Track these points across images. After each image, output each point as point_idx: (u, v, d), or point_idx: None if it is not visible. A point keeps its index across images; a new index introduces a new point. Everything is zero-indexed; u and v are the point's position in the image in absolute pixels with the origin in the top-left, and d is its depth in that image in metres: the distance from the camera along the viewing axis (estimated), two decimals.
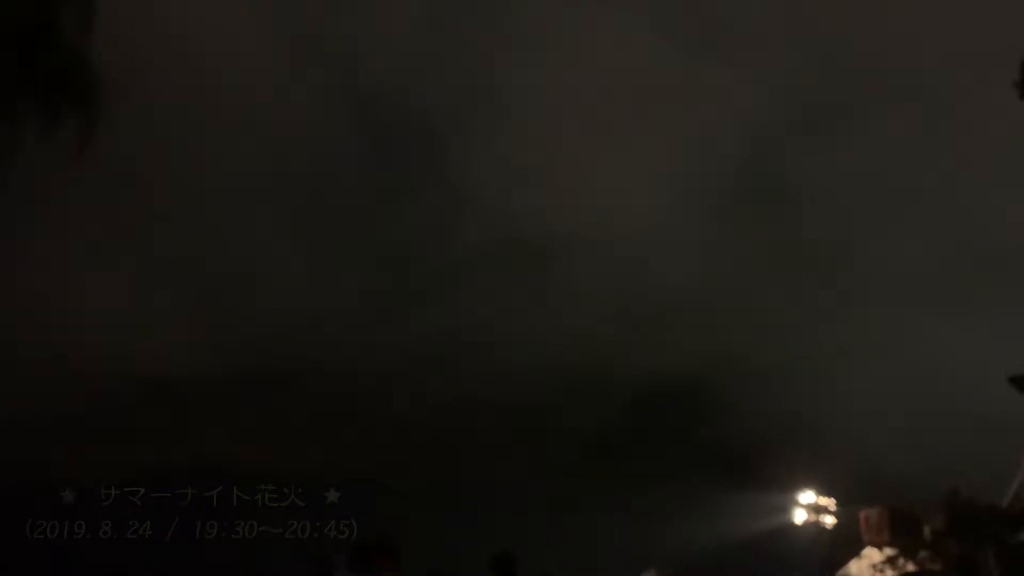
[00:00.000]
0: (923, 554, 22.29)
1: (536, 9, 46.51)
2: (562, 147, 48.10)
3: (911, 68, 46.51)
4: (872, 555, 23.72)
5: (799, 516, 26.69)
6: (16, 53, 10.88)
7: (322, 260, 47.63)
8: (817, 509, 26.57)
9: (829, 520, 26.46)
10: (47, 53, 11.13)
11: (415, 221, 49.15)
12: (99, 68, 11.87)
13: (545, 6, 46.44)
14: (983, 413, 29.37)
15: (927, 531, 22.67)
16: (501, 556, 9.91)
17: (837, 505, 26.48)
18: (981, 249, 42.78)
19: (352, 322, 47.07)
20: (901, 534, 23.30)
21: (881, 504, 24.54)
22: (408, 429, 41.35)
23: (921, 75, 46.95)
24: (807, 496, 26.66)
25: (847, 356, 43.35)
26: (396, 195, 49.00)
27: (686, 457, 38.14)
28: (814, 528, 26.56)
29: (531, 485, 35.40)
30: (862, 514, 24.89)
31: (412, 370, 44.93)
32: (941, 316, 39.81)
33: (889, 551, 23.02)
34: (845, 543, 25.50)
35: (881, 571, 22.91)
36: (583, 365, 46.28)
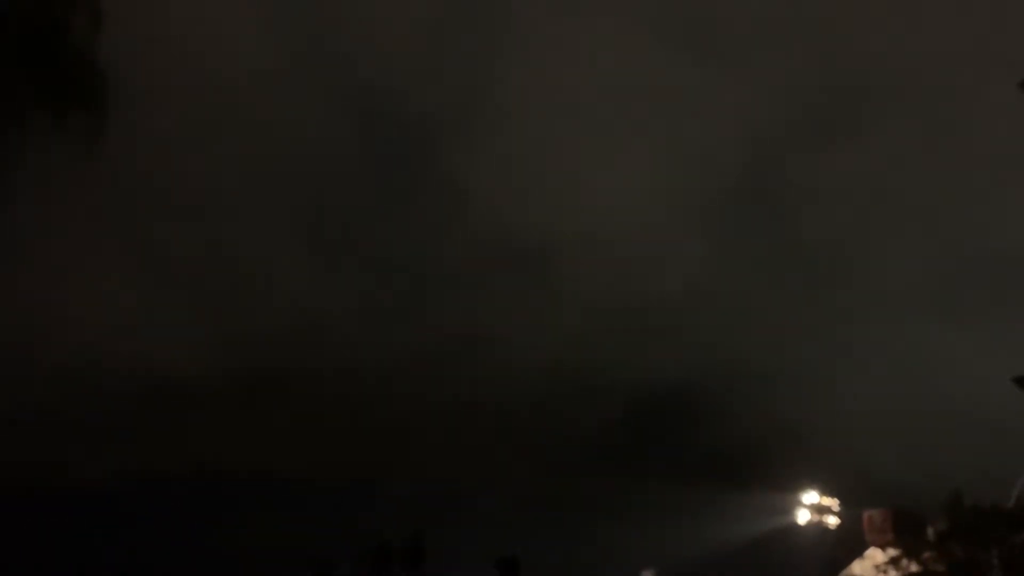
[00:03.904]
0: (927, 555, 22.28)
1: (536, 14, 46.52)
2: (561, 151, 48.14)
3: (913, 74, 46.55)
4: (875, 556, 23.70)
5: (802, 517, 26.68)
6: (25, 55, 10.91)
7: (323, 262, 47.65)
8: (820, 510, 26.55)
9: (832, 521, 26.45)
10: (55, 55, 11.14)
11: (415, 223, 49.16)
12: (106, 71, 11.88)
13: (545, 11, 46.47)
14: (982, 417, 29.40)
15: (930, 532, 22.69)
16: (507, 559, 9.96)
17: (840, 506, 26.49)
18: (981, 255, 42.80)
19: (353, 324, 47.12)
20: (904, 535, 23.30)
21: (886, 506, 24.57)
22: (409, 431, 41.36)
23: (923, 81, 46.94)
24: (810, 497, 26.65)
25: (847, 360, 43.37)
26: (396, 197, 49.03)
27: (688, 458, 38.14)
28: (817, 529, 26.56)
29: (532, 486, 35.37)
30: (865, 515, 24.89)
31: (412, 372, 44.94)
32: (941, 321, 39.84)
33: (892, 552, 23.01)
34: (848, 544, 25.50)
35: (884, 572, 22.88)
36: (583, 367, 46.30)
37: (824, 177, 49.09)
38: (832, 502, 26.70)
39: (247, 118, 43.83)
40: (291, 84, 47.20)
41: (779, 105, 50.66)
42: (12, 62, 10.93)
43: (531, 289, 50.05)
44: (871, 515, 24.83)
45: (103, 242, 37.95)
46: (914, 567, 22.35)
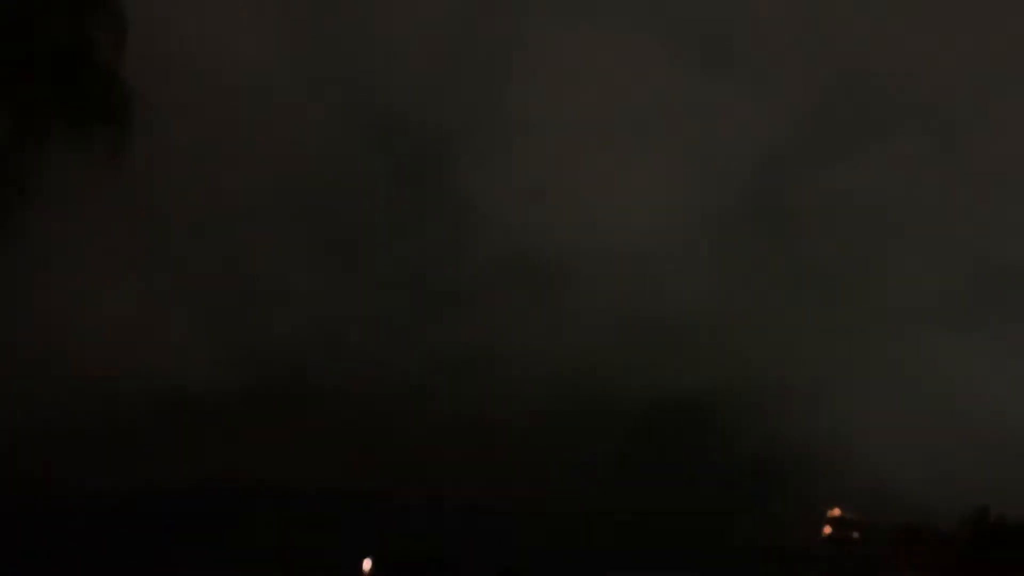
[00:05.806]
0: (951, 571, 22.07)
1: (546, 30, 46.71)
2: (572, 167, 48.20)
3: (921, 89, 46.35)
4: (899, 571, 23.48)
5: (824, 531, 26.46)
6: (51, 72, 11.02)
7: (336, 278, 47.78)
8: (843, 524, 26.34)
9: (856, 536, 26.20)
10: (81, 72, 11.25)
11: (427, 239, 49.30)
12: (130, 86, 12.00)
13: (555, 27, 46.65)
14: (1004, 432, 29.16)
15: (955, 549, 22.47)
16: (507, 570, 9.93)
17: (862, 521, 26.26)
18: (993, 267, 42.48)
19: (366, 338, 47.20)
20: (928, 550, 23.08)
21: (908, 521, 24.37)
22: (419, 444, 41.35)
23: (931, 96, 46.72)
24: (834, 512, 26.45)
25: (865, 375, 43.05)
26: (408, 213, 49.19)
27: (700, 473, 37.89)
28: (839, 544, 26.31)
29: (539, 501, 35.28)
30: (888, 531, 24.69)
31: (424, 385, 44.95)
32: (958, 335, 39.51)
33: (916, 567, 22.79)
34: (871, 559, 25.26)
35: None
36: (594, 381, 46.15)
37: (834, 193, 49.00)
38: (855, 517, 26.49)
39: (263, 136, 44.17)
40: (306, 102, 47.57)
41: (791, 121, 50.66)
42: (39, 78, 11.03)
43: (543, 303, 50.08)
44: (894, 531, 24.63)
45: (119, 254, 38.21)
46: None
